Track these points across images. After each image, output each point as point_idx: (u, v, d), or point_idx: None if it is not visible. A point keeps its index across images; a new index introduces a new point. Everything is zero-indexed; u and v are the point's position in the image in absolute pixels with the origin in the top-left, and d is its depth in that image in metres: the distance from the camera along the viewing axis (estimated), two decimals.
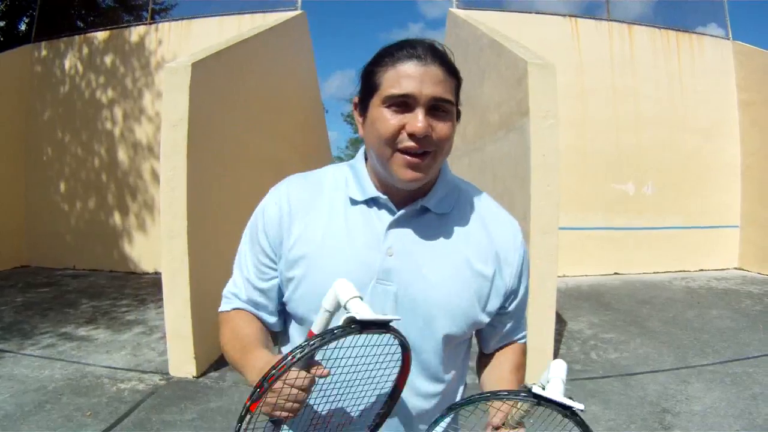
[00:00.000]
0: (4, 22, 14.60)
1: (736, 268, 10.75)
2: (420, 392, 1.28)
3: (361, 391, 1.11)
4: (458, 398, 1.42)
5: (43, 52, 11.18)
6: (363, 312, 0.97)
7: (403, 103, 1.15)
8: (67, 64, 11.01)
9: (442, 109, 1.18)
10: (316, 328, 1.05)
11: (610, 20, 10.76)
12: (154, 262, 10.03)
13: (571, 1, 11.13)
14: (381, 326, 0.98)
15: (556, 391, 1.10)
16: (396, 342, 1.03)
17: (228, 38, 6.77)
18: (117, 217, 10.70)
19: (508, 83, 5.66)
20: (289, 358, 0.94)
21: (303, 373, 1.00)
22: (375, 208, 1.29)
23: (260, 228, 1.33)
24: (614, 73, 10.51)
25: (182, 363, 5.04)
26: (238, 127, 6.36)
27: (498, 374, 1.41)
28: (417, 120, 1.14)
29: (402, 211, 1.26)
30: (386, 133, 1.16)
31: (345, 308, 1.01)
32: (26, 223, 10.94)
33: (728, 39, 11.14)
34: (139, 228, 10.60)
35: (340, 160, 21.73)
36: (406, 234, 1.26)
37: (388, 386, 1.12)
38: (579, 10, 10.96)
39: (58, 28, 11.41)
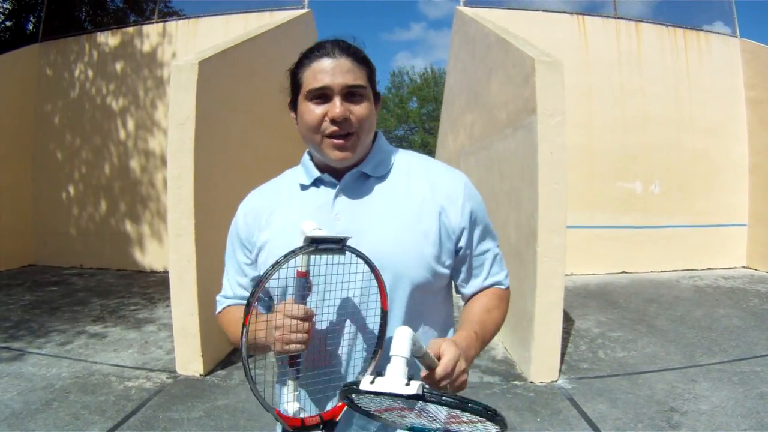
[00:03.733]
0: (11, 22, 14.67)
1: (744, 267, 10.70)
2: None
3: (353, 311, 1.32)
4: None
5: (50, 52, 11.22)
6: (316, 233, 1.17)
7: (322, 95, 1.35)
8: (74, 63, 11.05)
9: (356, 93, 1.36)
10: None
11: (618, 18, 10.72)
12: (163, 260, 10.07)
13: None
14: (335, 242, 1.17)
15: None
16: (359, 260, 1.20)
17: (235, 36, 6.77)
18: (125, 216, 10.74)
19: (516, 81, 5.65)
20: (265, 274, 1.13)
21: (298, 306, 1.18)
22: (322, 186, 1.47)
23: (234, 237, 1.59)
24: (621, 72, 10.47)
25: (189, 361, 5.04)
26: (245, 125, 6.36)
27: (465, 315, 1.48)
28: (335, 107, 1.33)
29: (343, 179, 1.43)
30: (312, 122, 1.36)
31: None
32: (33, 221, 11.00)
33: (736, 36, 11.08)
34: (147, 226, 10.63)
35: None
36: (351, 200, 1.42)
37: (375, 307, 1.28)
38: (586, 7, 10.94)
39: (65, 27, 11.45)
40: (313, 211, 1.41)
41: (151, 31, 10.85)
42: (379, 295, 1.24)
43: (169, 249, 5.05)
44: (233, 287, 1.61)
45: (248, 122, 6.47)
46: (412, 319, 1.36)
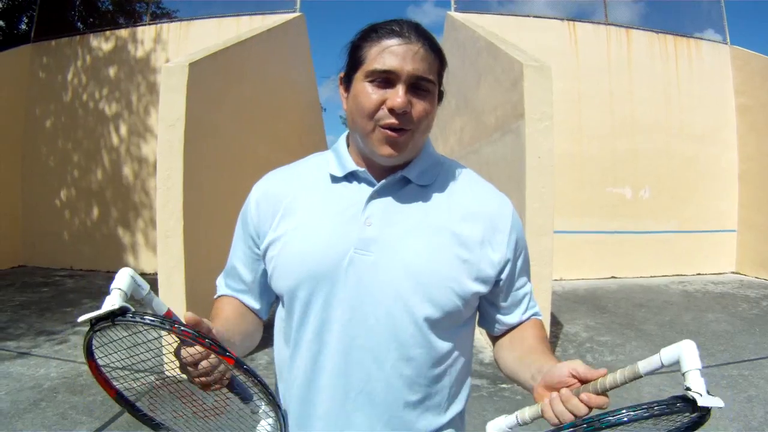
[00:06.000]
0: (4, 22, 14.63)
1: (733, 273, 10.76)
2: (403, 375, 1.23)
3: None
4: (463, 392, 1.37)
5: (43, 52, 11.20)
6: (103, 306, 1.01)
7: (385, 79, 1.17)
8: (66, 64, 11.03)
9: (423, 87, 1.19)
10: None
11: (608, 24, 10.78)
12: (153, 263, 10.02)
13: (569, 2, 11.08)
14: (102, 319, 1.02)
15: (702, 389, 0.94)
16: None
17: (226, 39, 6.79)
18: (115, 218, 10.72)
19: (504, 86, 5.68)
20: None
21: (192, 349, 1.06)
22: (355, 183, 1.30)
23: (246, 219, 1.37)
24: (611, 78, 10.52)
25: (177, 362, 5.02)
26: (235, 128, 6.37)
27: (524, 345, 1.33)
28: (397, 95, 1.16)
29: (383, 182, 1.26)
30: (367, 107, 1.18)
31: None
32: (23, 223, 10.97)
33: (726, 43, 11.17)
34: (137, 228, 10.62)
35: None
36: (387, 204, 1.26)
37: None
38: (577, 14, 10.98)
39: (57, 28, 11.42)
40: (341, 209, 1.27)
41: (143, 33, 10.85)
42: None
43: (157, 250, 5.05)
44: (233, 275, 1.44)
45: (238, 124, 6.48)
46: (438, 353, 1.25)
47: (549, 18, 10.74)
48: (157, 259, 5.05)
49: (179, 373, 1.12)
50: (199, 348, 1.05)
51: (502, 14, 10.66)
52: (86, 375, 4.96)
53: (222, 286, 1.48)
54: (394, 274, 1.20)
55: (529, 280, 1.40)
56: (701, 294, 8.80)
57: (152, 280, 5.02)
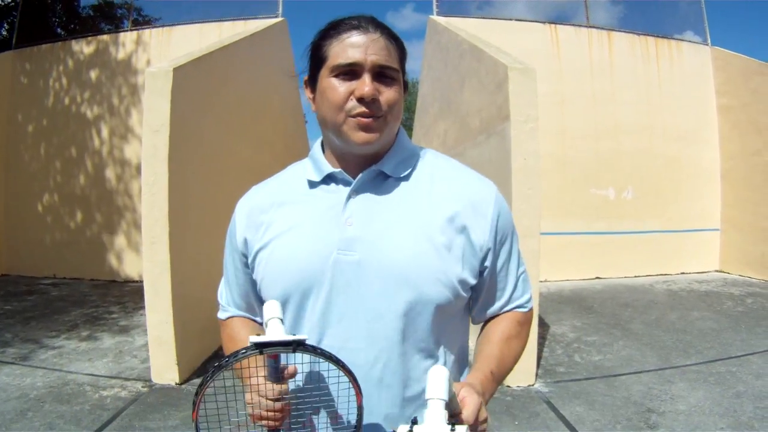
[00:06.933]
0: None
1: (717, 271, 10.85)
2: (397, 372, 1.23)
3: (325, 404, 1.19)
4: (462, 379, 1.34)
5: (25, 58, 11.10)
6: (269, 334, 1.09)
7: (350, 72, 1.18)
8: (48, 70, 10.93)
9: (387, 75, 1.21)
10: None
11: (590, 27, 10.84)
12: (138, 269, 9.94)
13: (550, 5, 11.15)
14: (285, 345, 1.06)
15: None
16: (318, 359, 1.09)
17: (209, 44, 6.77)
18: (99, 225, 10.60)
19: (489, 88, 5.70)
20: (209, 377, 1.05)
21: (271, 385, 1.09)
22: (333, 184, 1.30)
23: (233, 236, 1.40)
24: (593, 80, 10.58)
25: (165, 370, 5.00)
26: (220, 133, 6.35)
27: (484, 341, 1.34)
28: (365, 84, 1.17)
29: (359, 179, 1.26)
30: (336, 100, 1.19)
31: (265, 326, 1.14)
32: (5, 231, 10.82)
33: (707, 44, 11.27)
34: (122, 235, 10.51)
35: None
36: (366, 202, 1.26)
37: (347, 401, 1.13)
38: (558, 16, 11.05)
39: (39, 34, 11.34)
40: (322, 212, 1.27)
41: (126, 39, 10.76)
42: (351, 389, 1.10)
43: (143, 256, 5.02)
44: (234, 297, 1.47)
45: (223, 129, 6.46)
46: (430, 347, 1.25)
47: (530, 21, 10.77)
48: (143, 266, 5.02)
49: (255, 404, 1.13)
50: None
51: (484, 18, 10.67)
52: (73, 384, 4.93)
53: (226, 307, 1.50)
54: (379, 272, 1.20)
55: (518, 267, 1.38)
56: (686, 293, 8.87)
57: (138, 287, 5.02)
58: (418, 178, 1.30)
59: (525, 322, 1.40)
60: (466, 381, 1.13)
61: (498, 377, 1.25)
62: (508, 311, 1.38)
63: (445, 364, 1.28)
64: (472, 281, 1.27)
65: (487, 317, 1.39)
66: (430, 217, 1.23)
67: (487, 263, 1.29)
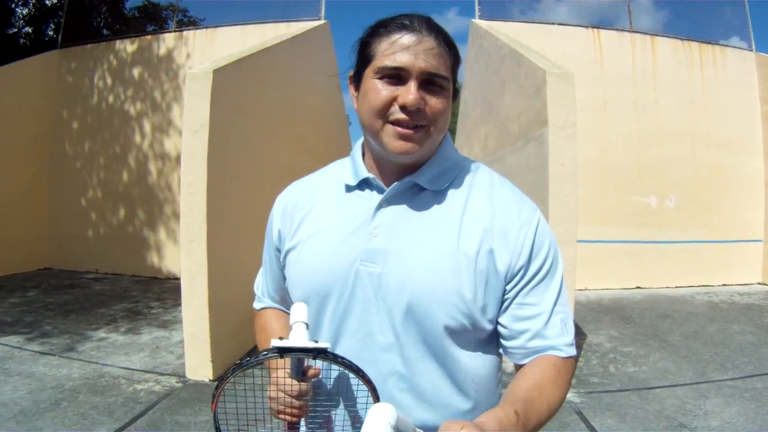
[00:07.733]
0: (31, 28, 14.86)
1: (759, 283, 10.58)
2: (405, 391, 1.19)
3: (345, 411, 1.20)
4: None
5: (71, 57, 11.37)
6: (292, 339, 1.10)
7: (396, 76, 1.12)
8: (92, 70, 11.18)
9: (436, 83, 1.13)
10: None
11: (633, 32, 10.69)
12: (179, 265, 10.07)
13: (593, 10, 11.03)
14: (307, 351, 1.07)
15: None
16: (335, 366, 1.11)
17: (250, 46, 6.83)
18: (141, 222, 10.81)
19: (528, 93, 5.67)
20: (228, 374, 1.08)
21: (292, 382, 1.11)
22: (367, 190, 1.25)
23: (270, 231, 1.40)
24: (636, 85, 10.42)
25: (199, 366, 5.07)
26: (259, 134, 6.40)
27: (509, 388, 1.15)
28: (409, 92, 1.10)
29: (391, 189, 1.20)
30: (377, 104, 1.13)
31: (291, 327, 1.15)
32: (50, 225, 11.11)
33: (751, 51, 11.03)
34: (164, 233, 10.69)
35: None
36: (395, 214, 1.20)
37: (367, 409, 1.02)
38: (601, 21, 10.91)
39: (84, 34, 11.60)
40: (350, 219, 1.22)
41: (169, 39, 10.94)
42: (369, 397, 1.09)
43: (181, 254, 5.10)
44: (269, 288, 1.47)
45: (261, 131, 6.51)
46: (448, 373, 1.18)
47: (573, 26, 10.67)
48: (181, 264, 5.09)
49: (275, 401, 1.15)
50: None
51: (526, 22, 10.61)
52: (108, 376, 5.02)
53: (261, 298, 1.52)
54: (397, 288, 1.15)
55: (555, 304, 1.20)
56: (727, 305, 8.67)
57: (179, 284, 5.09)
58: (454, 194, 1.22)
59: (563, 368, 1.18)
60: (476, 419, 0.96)
61: (524, 422, 1.02)
62: (541, 353, 1.18)
63: (463, 388, 1.20)
64: (494, 309, 1.17)
65: (517, 356, 1.21)
66: (457, 237, 1.15)
67: (513, 292, 1.17)
